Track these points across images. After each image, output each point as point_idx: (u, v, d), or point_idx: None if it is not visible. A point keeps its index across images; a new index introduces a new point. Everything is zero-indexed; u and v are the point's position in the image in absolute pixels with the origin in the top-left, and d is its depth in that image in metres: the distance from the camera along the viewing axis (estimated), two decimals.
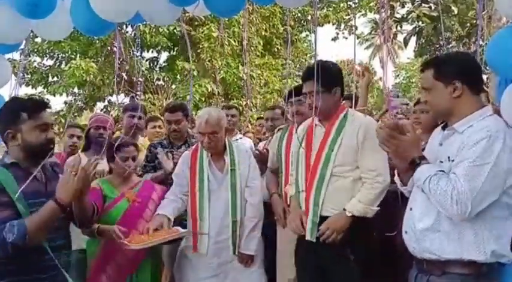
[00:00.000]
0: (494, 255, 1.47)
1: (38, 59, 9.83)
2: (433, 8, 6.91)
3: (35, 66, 9.81)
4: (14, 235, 1.55)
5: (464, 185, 1.40)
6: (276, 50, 11.35)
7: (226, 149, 2.49)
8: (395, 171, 1.78)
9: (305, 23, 11.68)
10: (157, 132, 3.60)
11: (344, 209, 2.09)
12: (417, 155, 1.55)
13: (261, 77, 10.21)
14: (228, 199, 2.39)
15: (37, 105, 1.77)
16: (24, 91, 9.71)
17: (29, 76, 9.74)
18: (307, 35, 12.58)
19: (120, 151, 2.36)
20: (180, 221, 2.49)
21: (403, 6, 7.74)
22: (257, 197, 2.47)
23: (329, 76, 2.10)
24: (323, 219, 2.13)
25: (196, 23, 9.27)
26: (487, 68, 1.94)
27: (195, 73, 9.53)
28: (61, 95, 9.43)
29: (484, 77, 1.97)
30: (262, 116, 4.88)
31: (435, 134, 1.72)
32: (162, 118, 3.45)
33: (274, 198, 2.64)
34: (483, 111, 1.54)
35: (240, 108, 9.86)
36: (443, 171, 1.48)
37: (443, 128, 1.65)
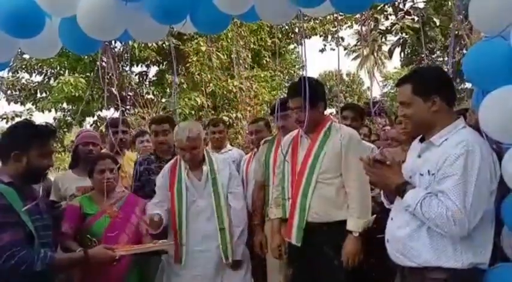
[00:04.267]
0: (471, 264, 1.52)
1: (27, 76, 9.79)
2: (416, 19, 7.11)
3: (23, 83, 9.75)
4: (42, 265, 1.68)
5: (456, 203, 1.46)
6: (264, 62, 11.47)
7: (204, 158, 2.55)
8: (381, 192, 1.83)
9: (292, 35, 11.85)
10: (145, 146, 3.59)
11: (349, 231, 2.19)
12: (400, 181, 1.62)
13: (251, 89, 10.29)
14: (212, 207, 2.45)
15: (49, 133, 1.89)
16: (13, 108, 9.66)
17: (18, 93, 9.69)
18: (295, 47, 12.77)
19: (97, 164, 2.39)
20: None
21: (387, 19, 7.96)
22: (241, 202, 2.56)
23: (313, 92, 2.19)
24: (307, 224, 2.24)
25: (185, 37, 9.34)
26: None
27: (184, 86, 9.58)
28: (50, 111, 9.38)
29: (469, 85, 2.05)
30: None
31: (414, 146, 1.78)
32: (149, 132, 3.46)
33: (256, 229, 2.74)
34: (456, 124, 1.61)
35: (230, 120, 9.92)
36: (430, 193, 1.54)
37: (421, 140, 1.71)
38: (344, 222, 2.21)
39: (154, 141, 3.04)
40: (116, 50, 8.88)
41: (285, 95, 2.66)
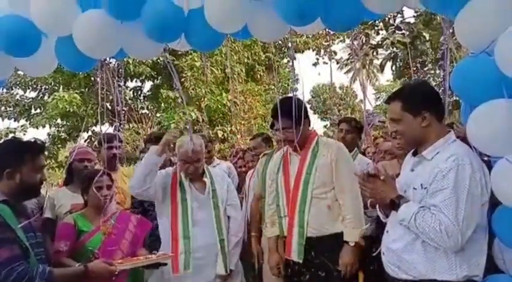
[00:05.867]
0: (466, 276, 1.55)
1: (21, 92, 9.79)
2: (406, 34, 7.31)
3: (17, 99, 9.75)
4: (41, 280, 1.68)
5: (448, 217, 1.49)
6: (258, 76, 11.59)
7: (204, 172, 2.60)
8: (377, 205, 1.86)
9: (286, 50, 12.00)
10: None
11: (346, 242, 2.23)
12: (394, 195, 1.64)
13: (245, 103, 10.38)
14: (212, 218, 2.49)
15: (38, 149, 1.90)
16: (7, 124, 9.62)
17: (12, 109, 9.67)
18: (288, 61, 12.91)
19: (94, 181, 2.39)
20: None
21: (378, 33, 8.15)
22: (240, 212, 2.63)
23: (297, 111, 2.23)
24: (306, 240, 2.27)
25: (179, 53, 9.43)
26: None
27: (179, 101, 9.63)
28: (44, 127, 9.36)
29: None
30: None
31: (407, 160, 1.82)
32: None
33: (252, 240, 2.80)
34: (447, 137, 1.65)
35: (225, 134, 9.96)
36: (423, 207, 1.56)
37: (414, 154, 1.75)
38: (340, 234, 2.25)
39: None
40: (110, 65, 8.93)
41: None
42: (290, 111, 2.15)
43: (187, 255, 2.40)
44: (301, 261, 2.26)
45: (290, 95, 2.48)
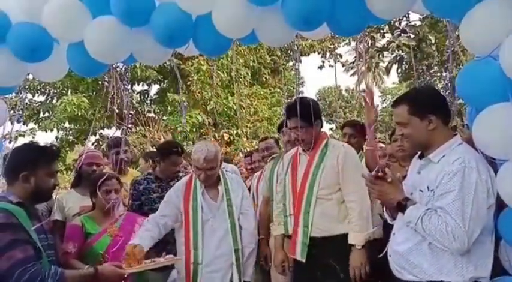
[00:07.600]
0: (473, 278, 1.56)
1: (29, 96, 9.91)
2: (412, 37, 7.32)
3: (26, 103, 9.87)
4: (53, 281, 1.71)
5: (455, 219, 1.50)
6: (264, 79, 11.64)
7: (220, 179, 2.57)
8: (384, 207, 1.88)
9: (291, 53, 12.03)
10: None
11: (352, 245, 2.24)
12: (401, 197, 1.66)
13: (250, 106, 10.42)
14: (228, 228, 2.45)
15: (54, 154, 1.97)
16: (15, 127, 9.72)
17: (20, 112, 9.78)
18: (293, 64, 12.92)
19: (102, 184, 2.44)
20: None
21: (383, 37, 8.18)
22: (252, 223, 2.57)
23: (309, 111, 2.27)
24: (310, 240, 2.29)
25: (185, 56, 9.51)
26: None
27: (185, 104, 9.70)
28: (52, 130, 9.46)
29: None
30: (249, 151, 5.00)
31: (414, 162, 1.83)
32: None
33: (261, 243, 2.78)
34: (454, 141, 1.66)
35: (231, 137, 10.00)
36: (430, 209, 1.58)
37: (420, 157, 1.77)
38: (346, 235, 2.27)
39: (168, 169, 3.04)
40: (118, 69, 9.01)
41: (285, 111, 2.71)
42: (302, 111, 2.18)
43: (196, 266, 2.39)
44: (304, 261, 2.28)
45: (303, 96, 2.49)
